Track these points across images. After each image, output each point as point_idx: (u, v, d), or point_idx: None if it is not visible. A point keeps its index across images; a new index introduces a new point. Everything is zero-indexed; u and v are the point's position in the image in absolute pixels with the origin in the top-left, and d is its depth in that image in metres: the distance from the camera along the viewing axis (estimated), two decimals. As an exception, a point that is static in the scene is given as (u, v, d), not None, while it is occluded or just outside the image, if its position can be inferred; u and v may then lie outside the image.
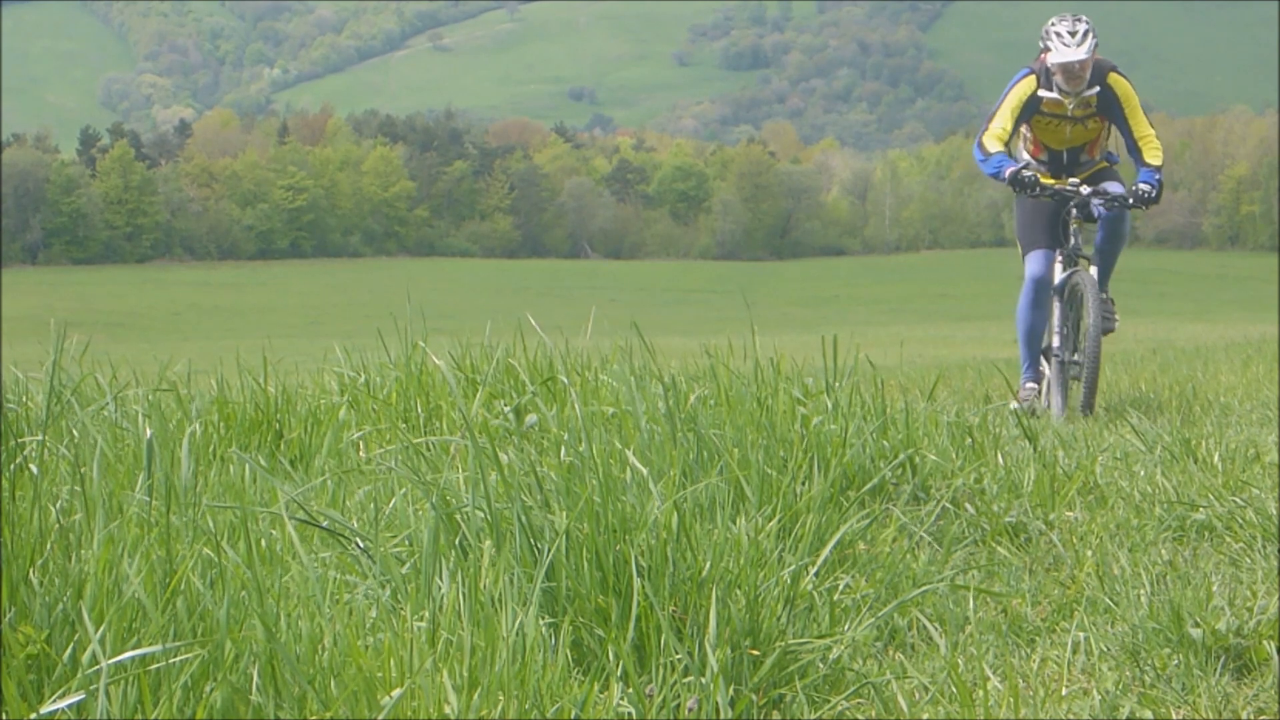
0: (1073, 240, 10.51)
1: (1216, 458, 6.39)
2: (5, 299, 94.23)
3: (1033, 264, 10.64)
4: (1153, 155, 10.46)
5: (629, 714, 3.63)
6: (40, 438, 4.55)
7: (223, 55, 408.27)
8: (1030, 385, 10.80)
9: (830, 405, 5.86)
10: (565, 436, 5.39)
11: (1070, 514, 5.61)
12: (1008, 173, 10.27)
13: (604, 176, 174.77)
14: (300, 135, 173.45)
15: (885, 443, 5.78)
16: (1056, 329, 10.59)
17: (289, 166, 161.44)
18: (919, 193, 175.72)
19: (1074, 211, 10.47)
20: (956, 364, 23.09)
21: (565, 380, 6.43)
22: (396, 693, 3.36)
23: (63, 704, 3.13)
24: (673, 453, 5.21)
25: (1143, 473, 6.27)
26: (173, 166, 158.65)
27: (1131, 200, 10.34)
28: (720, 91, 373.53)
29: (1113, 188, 10.58)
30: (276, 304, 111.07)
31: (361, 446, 6.48)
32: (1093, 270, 10.49)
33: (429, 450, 6.00)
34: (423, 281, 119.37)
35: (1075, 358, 10.41)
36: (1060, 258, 10.56)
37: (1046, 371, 10.75)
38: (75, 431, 6.04)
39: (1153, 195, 10.32)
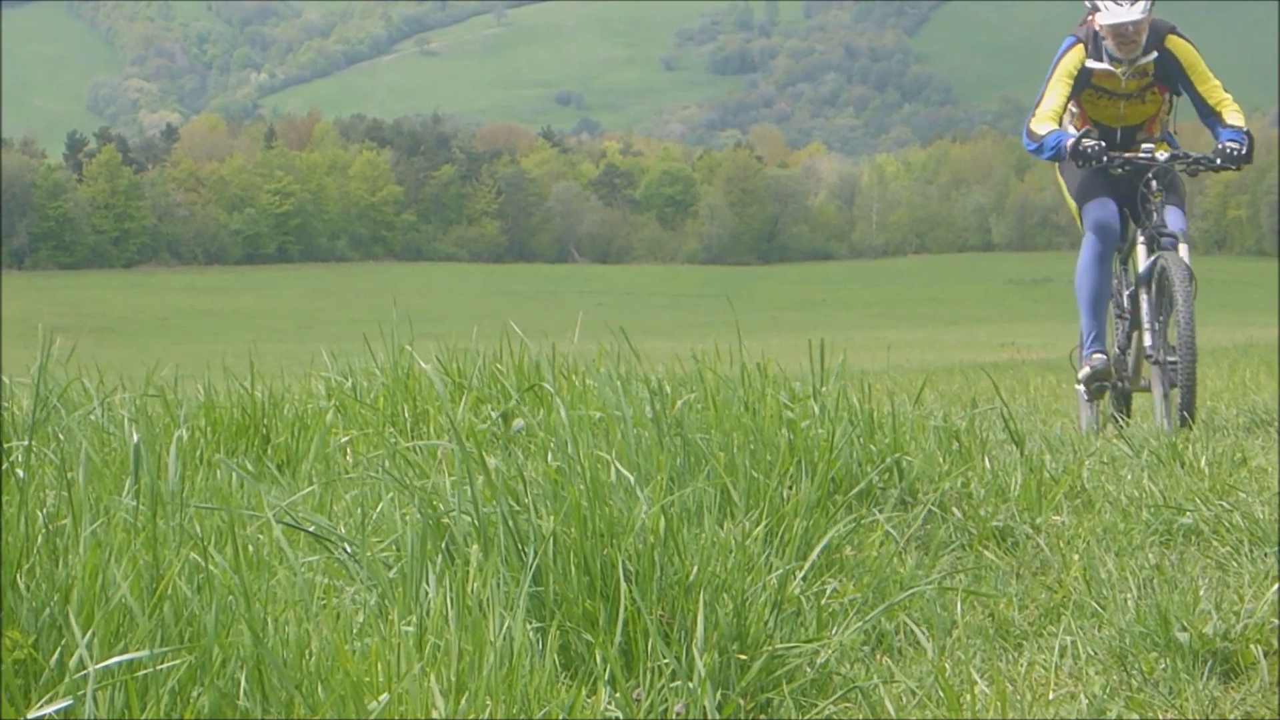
0: (1155, 216, 9.10)
1: (1203, 462, 6.39)
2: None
3: (1090, 213, 9.30)
4: (1234, 115, 9.19)
5: (616, 718, 3.63)
6: (27, 442, 4.54)
7: (209, 60, 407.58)
8: (1099, 356, 9.33)
9: (817, 410, 5.86)
10: (552, 441, 5.39)
11: (1057, 518, 5.61)
12: (1068, 144, 8.99)
13: (591, 181, 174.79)
14: (287, 140, 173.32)
15: (872, 447, 5.77)
16: (1146, 325, 9.14)
17: (276, 171, 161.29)
18: (906, 197, 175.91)
19: (1154, 184, 9.11)
20: (944, 368, 23.12)
21: (551, 385, 6.42)
22: (384, 697, 3.36)
23: (50, 709, 3.13)
24: (660, 457, 5.21)
25: (1130, 477, 6.27)
26: (160, 171, 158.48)
27: (1219, 160, 9.03)
28: (707, 96, 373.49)
29: (1193, 152, 9.28)
30: (264, 308, 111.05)
31: (349, 451, 6.47)
32: (1183, 250, 9.01)
33: (416, 454, 6.00)
34: (410, 286, 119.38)
35: (1172, 358, 8.96)
36: (1142, 239, 9.15)
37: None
38: (62, 436, 6.03)
39: (1243, 153, 9.00)
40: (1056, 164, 9.48)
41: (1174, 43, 9.21)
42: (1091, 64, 9.20)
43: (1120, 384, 9.57)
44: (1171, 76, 9.28)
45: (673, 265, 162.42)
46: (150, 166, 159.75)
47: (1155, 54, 9.19)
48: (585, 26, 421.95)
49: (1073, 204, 9.49)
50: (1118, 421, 9.26)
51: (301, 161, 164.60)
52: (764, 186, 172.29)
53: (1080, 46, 9.23)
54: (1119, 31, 9.05)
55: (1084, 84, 9.24)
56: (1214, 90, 9.23)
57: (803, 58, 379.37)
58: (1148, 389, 9.36)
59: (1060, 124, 9.24)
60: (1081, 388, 9.57)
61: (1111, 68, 9.19)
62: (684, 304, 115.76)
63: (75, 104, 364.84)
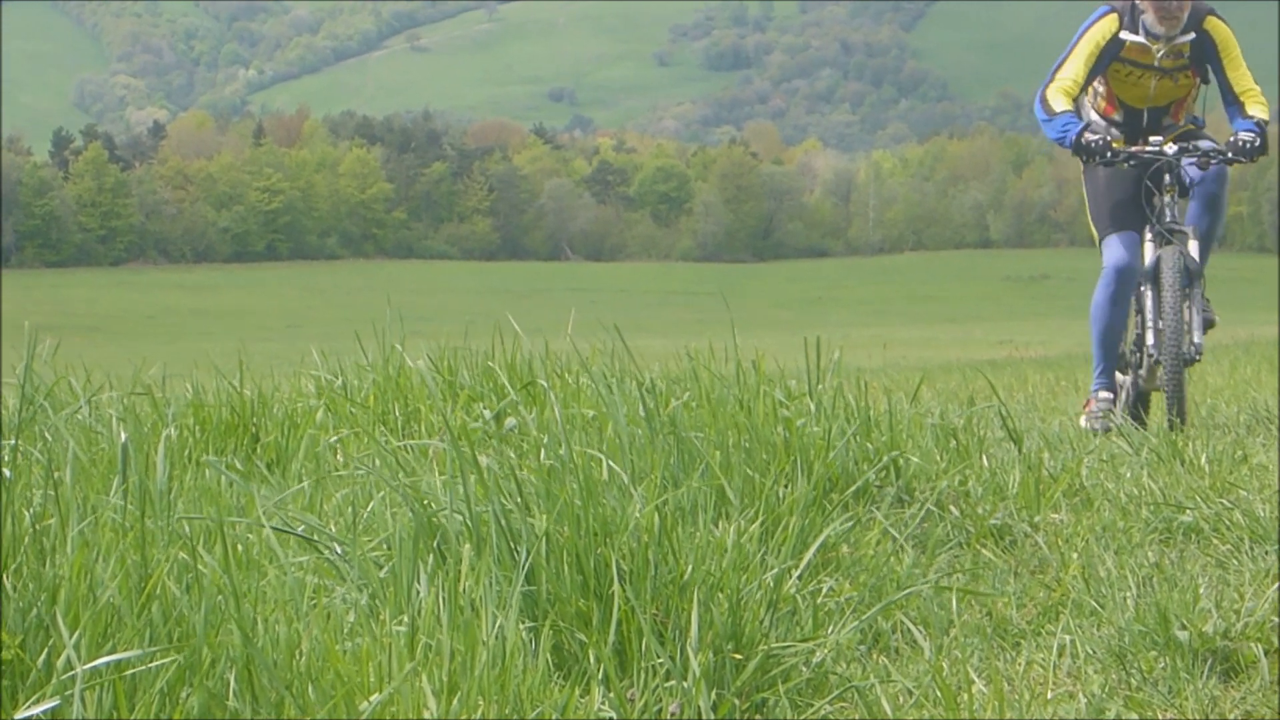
0: (1168, 214, 8.78)
1: (1204, 460, 6.36)
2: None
3: (1111, 250, 8.96)
4: (1257, 108, 8.85)
5: (610, 718, 3.60)
6: (13, 442, 4.50)
7: (197, 56, 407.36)
8: (1105, 395, 9.14)
9: (813, 408, 5.83)
10: (545, 440, 5.36)
11: (1056, 516, 5.58)
12: (1072, 138, 8.70)
13: (584, 178, 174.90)
14: (276, 137, 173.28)
15: (869, 445, 5.75)
16: (1150, 324, 8.82)
17: (265, 168, 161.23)
18: (902, 194, 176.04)
19: (1166, 178, 8.79)
20: (941, 365, 23.15)
21: (544, 383, 6.39)
22: (376, 697, 3.33)
23: (38, 710, 3.11)
24: (653, 456, 5.18)
25: (1129, 474, 6.24)
26: (147, 168, 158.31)
27: (1230, 153, 8.70)
28: (702, 92, 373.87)
29: (1204, 144, 8.91)
30: (253, 307, 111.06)
31: (339, 450, 6.44)
32: (1193, 245, 8.77)
33: (408, 453, 5.96)
34: (401, 284, 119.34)
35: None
36: (1150, 237, 8.86)
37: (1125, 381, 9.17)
38: (48, 436, 5.99)
39: (1257, 145, 8.67)
40: (1082, 164, 9.09)
41: (1213, 25, 8.90)
42: (1126, 36, 8.85)
43: (1135, 382, 9.28)
44: (1206, 59, 8.97)
45: (667, 263, 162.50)
46: (137, 164, 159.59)
47: (1193, 34, 8.87)
48: (577, 22, 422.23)
49: (1093, 225, 9.19)
50: (1134, 420, 8.91)
51: (290, 159, 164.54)
52: (759, 183, 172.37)
53: (1114, 17, 8.90)
54: (1161, 7, 8.76)
55: (1114, 55, 8.91)
56: (1242, 78, 8.93)
57: (798, 53, 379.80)
58: (1162, 388, 8.94)
59: (1077, 100, 8.97)
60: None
61: (1147, 42, 8.84)
62: (678, 302, 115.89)
63: (61, 101, 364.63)
